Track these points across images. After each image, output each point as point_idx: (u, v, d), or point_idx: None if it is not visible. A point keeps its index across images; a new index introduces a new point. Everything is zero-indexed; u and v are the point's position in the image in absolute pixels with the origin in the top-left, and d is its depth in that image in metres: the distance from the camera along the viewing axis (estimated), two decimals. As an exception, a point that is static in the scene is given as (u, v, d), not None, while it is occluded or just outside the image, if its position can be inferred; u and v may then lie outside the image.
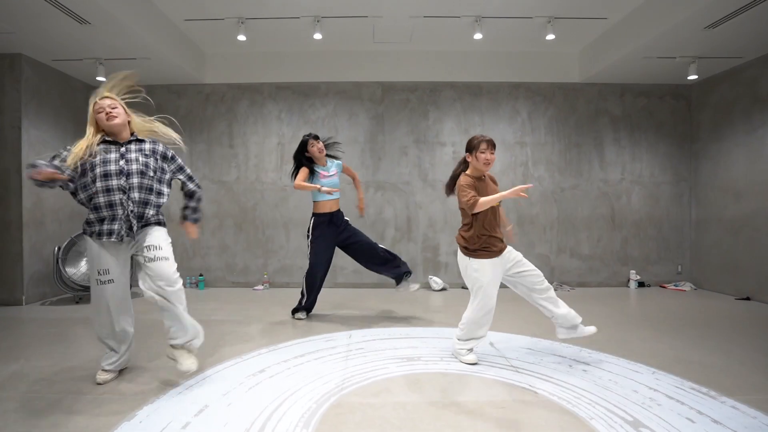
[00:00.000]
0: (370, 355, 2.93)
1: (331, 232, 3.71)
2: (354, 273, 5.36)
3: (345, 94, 5.44)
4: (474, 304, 2.70)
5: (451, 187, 2.83)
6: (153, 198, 2.43)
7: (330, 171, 3.77)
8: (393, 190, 5.38)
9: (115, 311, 2.39)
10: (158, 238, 2.40)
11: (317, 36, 4.60)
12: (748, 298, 4.69)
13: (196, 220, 2.67)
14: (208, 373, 2.60)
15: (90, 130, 2.38)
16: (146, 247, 2.35)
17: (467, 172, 2.78)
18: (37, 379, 2.49)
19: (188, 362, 2.40)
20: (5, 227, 4.41)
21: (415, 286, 3.87)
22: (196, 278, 5.39)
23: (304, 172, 3.69)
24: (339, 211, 3.76)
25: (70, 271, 4.48)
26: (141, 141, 2.47)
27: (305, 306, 3.85)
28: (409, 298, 4.75)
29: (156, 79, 5.24)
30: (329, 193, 3.58)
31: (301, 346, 3.11)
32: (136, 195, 2.34)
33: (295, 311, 3.89)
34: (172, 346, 2.43)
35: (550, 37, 4.55)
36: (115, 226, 2.32)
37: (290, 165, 5.37)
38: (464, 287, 5.32)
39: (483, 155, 2.71)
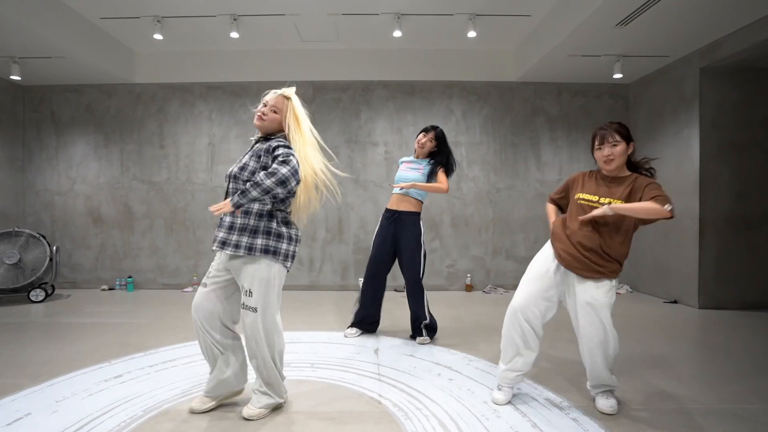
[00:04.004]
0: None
1: (388, 229, 3.25)
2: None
3: (276, 93, 5.35)
4: None
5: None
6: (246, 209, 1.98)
7: (413, 165, 3.28)
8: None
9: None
10: (251, 278, 1.97)
11: (234, 35, 4.51)
12: (675, 302, 4.60)
13: (234, 203, 1.88)
14: (59, 380, 2.51)
15: None
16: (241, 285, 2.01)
17: None
18: None
19: None
20: None
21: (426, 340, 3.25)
22: (125, 280, 5.30)
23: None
24: (406, 212, 3.21)
25: (-17, 273, 4.41)
26: (267, 139, 2.07)
27: (358, 319, 3.36)
28: (337, 301, 4.68)
29: (84, 78, 5.17)
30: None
31: (179, 351, 3.03)
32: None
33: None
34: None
35: (472, 34, 4.45)
36: (218, 234, 2.04)
37: (221, 166, 5.35)
38: (397, 290, 5.24)
39: (598, 152, 2.14)
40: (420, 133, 3.31)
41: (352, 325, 3.41)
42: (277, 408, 2.14)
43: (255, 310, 1.97)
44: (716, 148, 4.32)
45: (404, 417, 2.09)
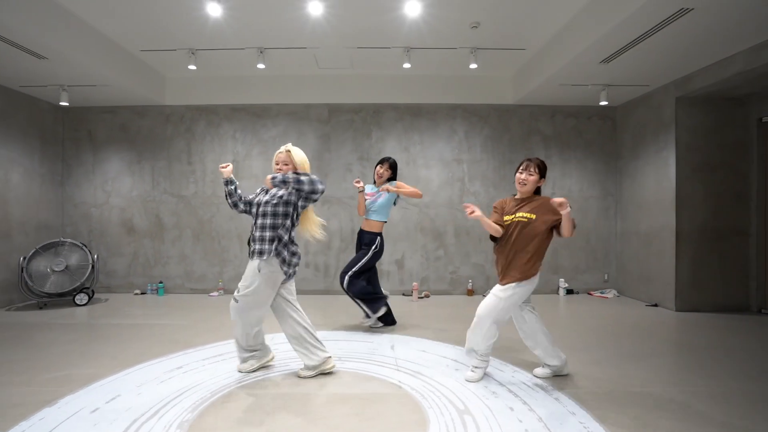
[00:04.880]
0: (280, 355, 3.35)
1: (358, 248, 4.09)
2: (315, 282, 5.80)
3: (295, 115, 5.89)
4: None
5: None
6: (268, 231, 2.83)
7: (376, 193, 4.00)
8: (338, 204, 5.82)
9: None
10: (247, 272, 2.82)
11: (261, 66, 5.05)
12: (656, 305, 5.12)
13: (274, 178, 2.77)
14: (131, 370, 3.02)
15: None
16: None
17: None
18: (-21, 375, 2.92)
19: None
20: (-26, 239, 4.83)
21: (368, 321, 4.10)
22: (156, 285, 5.80)
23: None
24: (368, 232, 3.98)
25: (36, 279, 4.91)
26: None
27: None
28: (350, 303, 5.18)
29: (119, 100, 5.69)
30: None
31: (223, 347, 3.53)
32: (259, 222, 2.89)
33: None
34: None
35: (473, 66, 4.99)
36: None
37: (244, 181, 5.85)
38: (405, 294, 5.75)
39: (518, 175, 2.73)
40: (377, 165, 4.03)
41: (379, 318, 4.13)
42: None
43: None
44: (691, 168, 4.85)
45: (421, 397, 2.60)
